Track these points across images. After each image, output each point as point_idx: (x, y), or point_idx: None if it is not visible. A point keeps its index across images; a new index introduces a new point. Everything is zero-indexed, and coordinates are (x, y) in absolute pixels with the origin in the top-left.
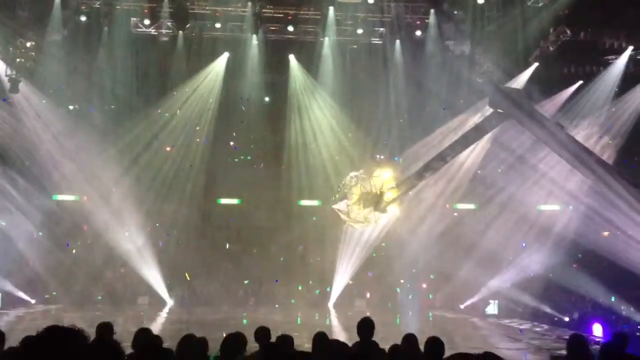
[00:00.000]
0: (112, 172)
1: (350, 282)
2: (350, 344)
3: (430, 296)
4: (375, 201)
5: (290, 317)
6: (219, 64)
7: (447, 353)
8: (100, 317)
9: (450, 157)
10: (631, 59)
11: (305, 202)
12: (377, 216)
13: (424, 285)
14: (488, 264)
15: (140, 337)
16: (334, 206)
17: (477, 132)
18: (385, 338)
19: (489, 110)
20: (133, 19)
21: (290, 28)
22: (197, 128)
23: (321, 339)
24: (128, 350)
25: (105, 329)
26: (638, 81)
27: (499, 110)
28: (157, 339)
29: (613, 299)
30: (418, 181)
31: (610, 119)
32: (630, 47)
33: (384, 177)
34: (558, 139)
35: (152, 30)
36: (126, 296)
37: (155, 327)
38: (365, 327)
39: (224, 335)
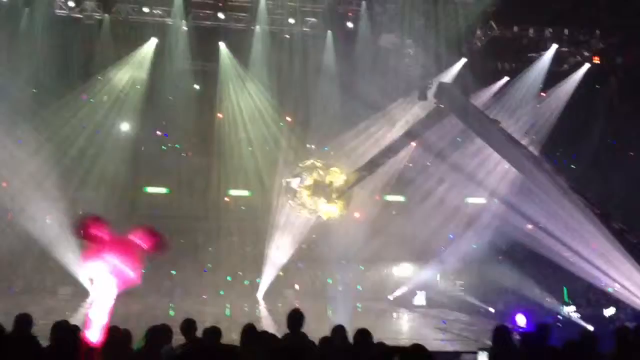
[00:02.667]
0: (34, 158)
1: (281, 273)
2: (279, 336)
3: (359, 287)
4: (325, 193)
5: (218, 309)
6: (147, 50)
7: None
8: (18, 308)
9: (396, 151)
10: (555, 56)
11: (235, 192)
12: (321, 211)
13: (352, 276)
14: (416, 256)
15: (58, 329)
16: (285, 179)
17: (421, 127)
18: (316, 329)
19: (425, 104)
20: (57, 0)
21: (221, 15)
22: (125, 115)
23: (250, 331)
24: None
25: (24, 321)
26: (561, 78)
27: (440, 106)
28: (76, 330)
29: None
30: (367, 174)
31: (535, 115)
32: (555, 45)
33: (338, 173)
34: (494, 135)
35: (77, 14)
36: (46, 286)
37: (78, 319)
38: (295, 318)
39: (149, 327)
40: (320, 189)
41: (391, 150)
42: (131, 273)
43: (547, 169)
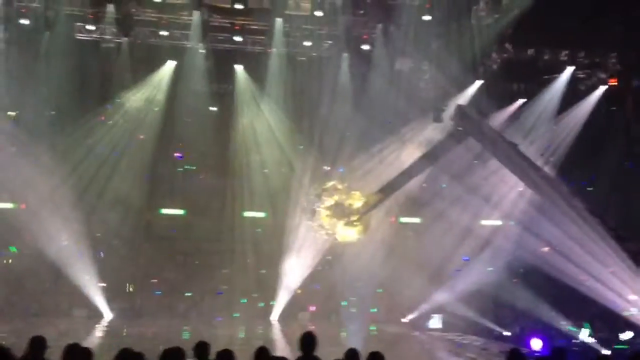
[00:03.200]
0: (52, 180)
1: (299, 291)
2: (291, 359)
3: (374, 310)
4: (344, 215)
5: (232, 331)
6: (165, 72)
7: None
8: (33, 330)
9: (415, 174)
10: (571, 78)
11: (250, 214)
12: (339, 234)
13: (368, 299)
14: (432, 278)
15: (70, 352)
16: (305, 199)
17: (440, 150)
18: (329, 352)
19: (440, 126)
20: (77, 24)
21: (238, 38)
22: (141, 137)
23: (262, 354)
24: None
25: (38, 343)
26: (578, 100)
27: (458, 128)
28: (88, 353)
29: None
30: (385, 197)
31: (551, 137)
32: (571, 67)
33: (359, 197)
34: (512, 157)
35: (96, 36)
36: (62, 308)
37: (92, 341)
38: (308, 341)
39: (162, 349)
40: (340, 210)
41: (410, 173)
42: None
43: (564, 191)
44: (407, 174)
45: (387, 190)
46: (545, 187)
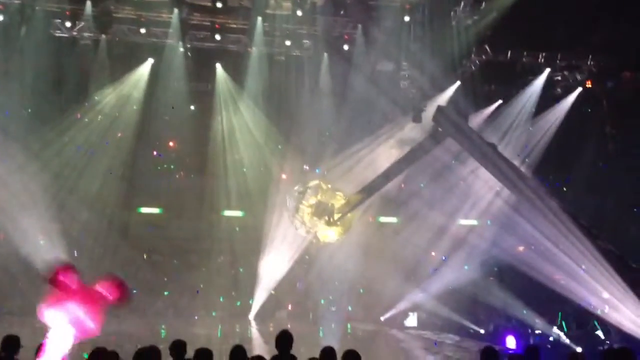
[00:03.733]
0: (27, 179)
1: (273, 292)
2: (268, 357)
3: (350, 308)
4: (326, 214)
5: (210, 329)
6: (143, 70)
7: None
8: (6, 330)
9: (395, 175)
10: (548, 79)
11: (228, 213)
12: (319, 233)
13: (346, 298)
14: (408, 277)
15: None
16: (289, 195)
17: (419, 151)
18: (306, 351)
19: (419, 127)
20: (54, 21)
21: (218, 37)
22: (119, 135)
23: (238, 353)
24: None
25: (11, 342)
26: (554, 102)
27: (438, 129)
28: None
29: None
30: (367, 197)
31: (527, 139)
32: (548, 69)
33: (342, 198)
34: (491, 158)
35: (74, 33)
36: (36, 307)
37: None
38: (284, 340)
39: (137, 348)
40: (321, 209)
41: (390, 173)
42: (91, 324)
43: (541, 191)
44: (386, 175)
45: (368, 190)
46: (523, 187)
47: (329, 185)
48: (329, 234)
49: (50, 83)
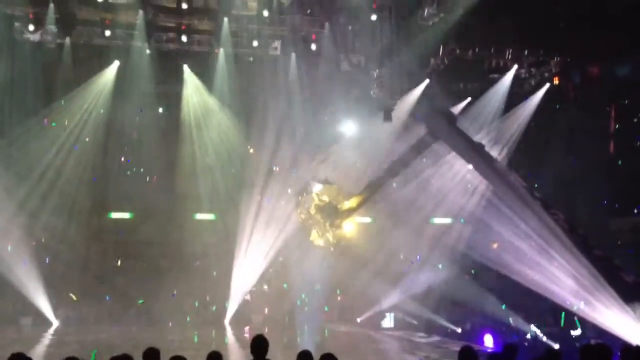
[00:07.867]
0: None
1: (247, 297)
2: None
3: (326, 308)
4: (330, 212)
5: (184, 336)
6: (109, 73)
7: None
8: None
9: (399, 170)
10: (516, 76)
11: (200, 216)
12: (335, 239)
13: (322, 300)
14: (384, 277)
15: None
16: (299, 209)
17: (413, 153)
18: (283, 355)
19: (388, 126)
20: (16, 24)
21: (184, 38)
22: (87, 139)
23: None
24: None
25: None
26: (523, 98)
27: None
28: None
29: (504, 306)
30: (371, 195)
31: (496, 136)
32: (515, 66)
33: (332, 190)
34: (480, 158)
35: (37, 37)
36: (7, 316)
37: (39, 350)
38: (259, 345)
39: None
40: (329, 210)
41: (396, 168)
42: None
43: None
44: (392, 170)
45: (373, 187)
46: (505, 183)
47: (344, 193)
48: (326, 238)
49: (15, 88)
